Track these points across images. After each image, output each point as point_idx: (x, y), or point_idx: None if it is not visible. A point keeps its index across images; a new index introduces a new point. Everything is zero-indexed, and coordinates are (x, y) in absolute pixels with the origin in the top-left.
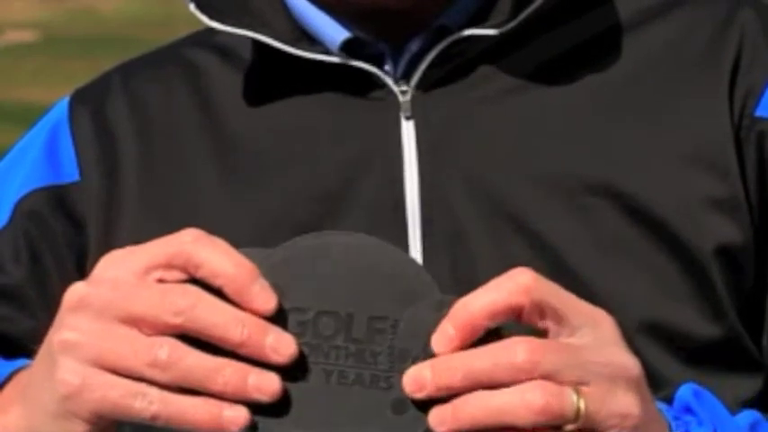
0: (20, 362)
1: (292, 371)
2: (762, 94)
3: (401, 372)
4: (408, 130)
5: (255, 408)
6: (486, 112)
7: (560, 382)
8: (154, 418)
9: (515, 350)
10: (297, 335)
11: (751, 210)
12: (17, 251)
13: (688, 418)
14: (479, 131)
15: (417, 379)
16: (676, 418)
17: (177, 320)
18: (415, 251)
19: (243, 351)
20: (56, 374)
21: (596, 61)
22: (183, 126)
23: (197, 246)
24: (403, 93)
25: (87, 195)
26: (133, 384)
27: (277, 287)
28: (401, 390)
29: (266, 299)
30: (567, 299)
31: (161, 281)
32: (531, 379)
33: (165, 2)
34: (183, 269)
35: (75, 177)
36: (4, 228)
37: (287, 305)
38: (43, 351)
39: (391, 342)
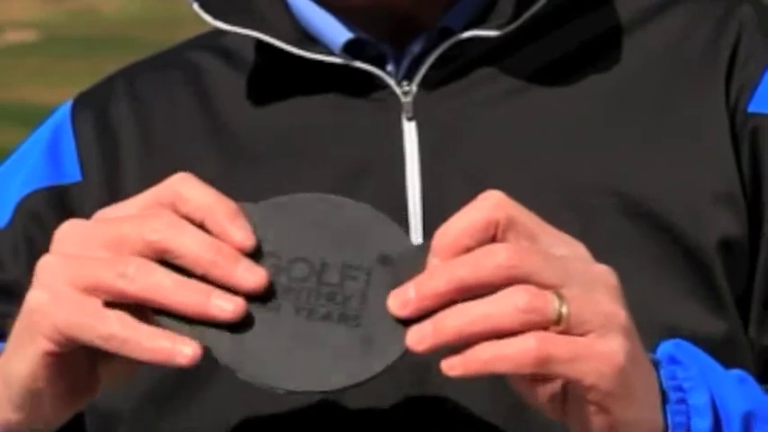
0: None
1: (261, 305)
2: (755, 88)
3: (373, 312)
4: (410, 130)
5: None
6: (488, 113)
7: (541, 285)
8: (109, 338)
9: (496, 252)
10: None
11: (747, 205)
12: (16, 249)
13: (674, 366)
14: (481, 133)
15: (401, 294)
16: (664, 366)
17: (155, 237)
18: None
19: (213, 272)
20: (29, 296)
21: (597, 62)
22: (184, 127)
23: (184, 182)
24: (405, 94)
25: (88, 195)
26: (99, 306)
27: (255, 234)
28: (372, 327)
29: (245, 235)
30: (538, 220)
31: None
32: (512, 282)
33: (165, 2)
34: (172, 204)
35: (77, 178)
36: (5, 228)
37: (262, 250)
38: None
39: (364, 288)
